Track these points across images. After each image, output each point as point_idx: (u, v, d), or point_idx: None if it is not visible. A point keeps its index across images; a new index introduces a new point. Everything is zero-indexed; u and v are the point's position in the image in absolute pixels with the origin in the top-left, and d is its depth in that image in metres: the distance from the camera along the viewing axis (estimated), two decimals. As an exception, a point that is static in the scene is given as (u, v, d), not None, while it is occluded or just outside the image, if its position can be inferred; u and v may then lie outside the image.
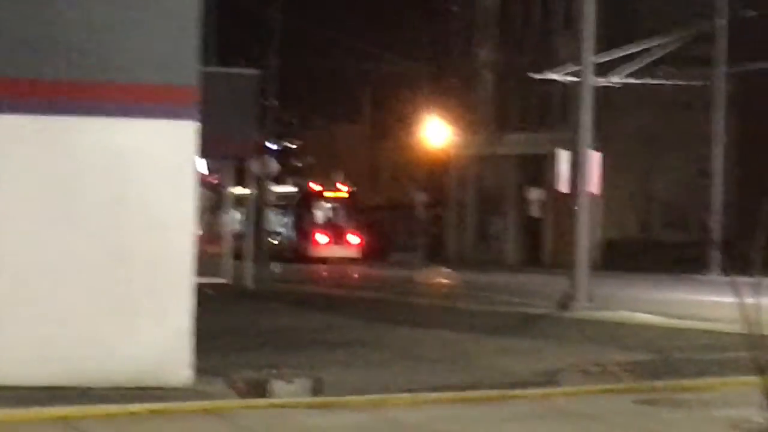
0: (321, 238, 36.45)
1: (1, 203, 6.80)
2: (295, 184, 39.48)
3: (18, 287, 6.80)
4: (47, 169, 6.89)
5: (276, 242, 36.62)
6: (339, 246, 36.24)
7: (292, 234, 37.20)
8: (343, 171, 42.68)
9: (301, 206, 37.82)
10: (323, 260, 34.26)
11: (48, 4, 6.96)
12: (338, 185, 38.36)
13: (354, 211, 37.98)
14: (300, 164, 54.61)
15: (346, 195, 38.60)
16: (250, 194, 23.25)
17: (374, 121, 47.07)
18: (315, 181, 38.77)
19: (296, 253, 35.09)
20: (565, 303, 15.86)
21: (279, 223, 38.11)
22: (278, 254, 33.84)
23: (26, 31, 6.83)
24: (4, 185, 6.78)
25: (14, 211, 6.83)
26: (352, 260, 35.12)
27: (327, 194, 38.38)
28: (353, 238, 37.00)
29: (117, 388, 6.69)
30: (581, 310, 15.35)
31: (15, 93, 6.85)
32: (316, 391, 7.61)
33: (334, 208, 38.27)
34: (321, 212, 37.60)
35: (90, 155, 6.96)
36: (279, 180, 44.74)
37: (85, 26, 6.91)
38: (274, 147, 37.29)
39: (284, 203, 38.78)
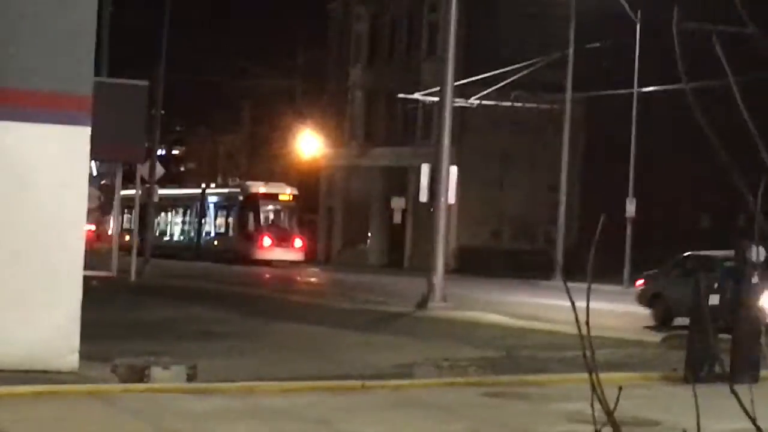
0: (265, 240, 35.23)
1: None
2: (237, 186, 38.77)
3: None
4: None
5: (216, 243, 37.08)
6: (283, 249, 35.13)
7: (235, 236, 36.11)
8: (223, 177, 43.69)
9: (244, 208, 36.66)
10: (267, 263, 33.48)
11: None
12: (283, 188, 37.25)
13: (298, 213, 37.20)
14: (182, 169, 57.04)
15: (291, 198, 37.38)
16: (137, 195, 24.44)
17: (253, 132, 48.24)
18: (261, 184, 37.57)
19: (238, 254, 34.14)
20: (422, 303, 16.77)
21: (219, 225, 38.34)
22: (219, 255, 34.13)
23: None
24: None
25: None
26: (295, 263, 34.34)
27: (272, 196, 37.13)
28: (297, 241, 36.08)
29: (5, 371, 7.15)
30: (437, 310, 16.28)
31: None
32: (192, 377, 8.29)
33: (277, 211, 37.21)
34: (265, 215, 36.40)
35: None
36: (177, 182, 45.60)
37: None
38: (161, 153, 37.45)
39: (181, 204, 39.05)
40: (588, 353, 1.39)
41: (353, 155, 38.57)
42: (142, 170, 23.74)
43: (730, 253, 9.66)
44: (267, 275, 30.62)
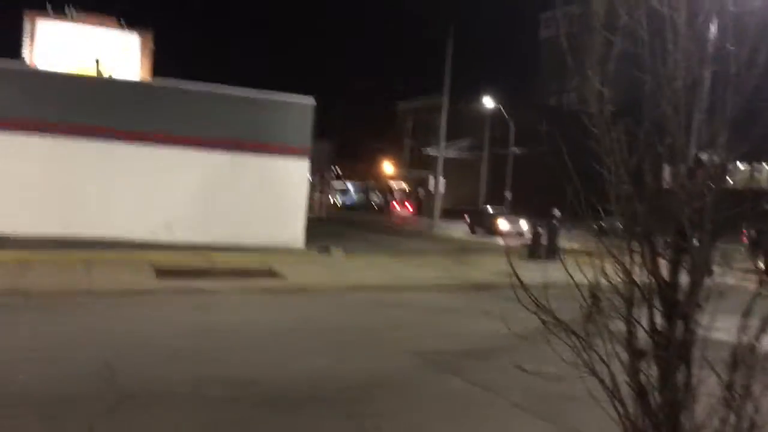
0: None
1: None
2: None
3: None
4: None
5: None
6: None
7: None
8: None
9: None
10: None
11: None
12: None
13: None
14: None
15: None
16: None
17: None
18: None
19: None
20: (429, 228, 31.28)
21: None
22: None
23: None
24: None
25: None
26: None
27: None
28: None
29: (278, 248, 20.20)
30: (435, 231, 30.96)
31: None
32: (345, 252, 21.30)
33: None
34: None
35: None
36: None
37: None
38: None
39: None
40: (508, 249, 14.61)
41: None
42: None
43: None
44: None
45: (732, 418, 3.04)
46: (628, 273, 3.08)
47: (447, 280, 15.53)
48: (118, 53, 24.54)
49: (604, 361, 3.15)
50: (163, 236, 20.03)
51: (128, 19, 25.12)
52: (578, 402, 6.78)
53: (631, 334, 3.14)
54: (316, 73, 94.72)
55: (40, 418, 5.67)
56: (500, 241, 28.53)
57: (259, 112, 21.04)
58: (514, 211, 36.94)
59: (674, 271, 3.00)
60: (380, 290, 14.08)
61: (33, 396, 6.19)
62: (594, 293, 3.07)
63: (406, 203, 67.97)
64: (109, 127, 19.65)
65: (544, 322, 3.28)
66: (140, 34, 25.06)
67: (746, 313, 2.95)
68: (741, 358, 3.02)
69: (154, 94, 21.13)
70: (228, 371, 7.36)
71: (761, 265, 3.26)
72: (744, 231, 22.50)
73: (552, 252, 20.64)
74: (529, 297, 3.41)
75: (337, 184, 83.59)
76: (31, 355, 7.65)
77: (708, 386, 3.13)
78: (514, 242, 25.50)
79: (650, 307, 3.04)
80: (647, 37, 3.12)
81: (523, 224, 33.11)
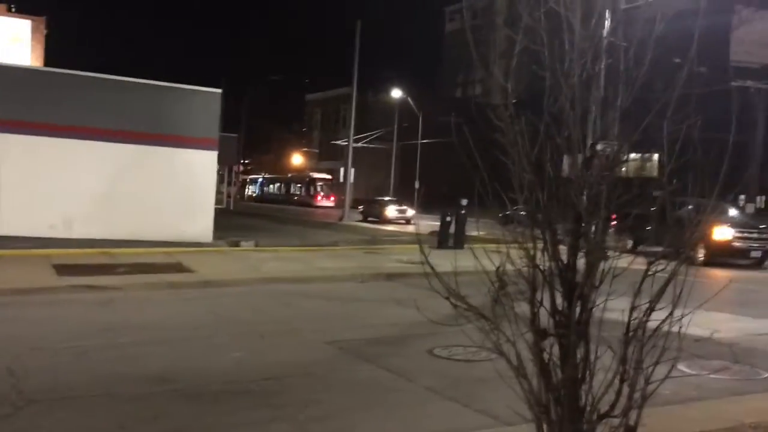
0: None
1: None
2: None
3: None
4: None
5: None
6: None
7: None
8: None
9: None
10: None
11: None
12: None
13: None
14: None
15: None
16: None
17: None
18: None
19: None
20: (340, 219, 32.05)
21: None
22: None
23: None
24: None
25: None
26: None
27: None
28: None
29: (186, 243, 19.78)
30: (345, 222, 31.93)
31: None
32: (256, 245, 21.08)
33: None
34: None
35: None
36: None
37: None
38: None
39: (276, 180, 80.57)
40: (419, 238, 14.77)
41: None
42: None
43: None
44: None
45: (625, 390, 3.31)
46: (531, 258, 3.29)
47: (358, 270, 15.69)
48: (7, 39, 23.26)
49: (510, 342, 3.35)
50: (61, 232, 19.23)
51: (21, 5, 23.93)
52: (488, 384, 7.08)
53: (534, 315, 3.36)
54: (224, 67, 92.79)
55: (-64, 425, 5.40)
56: (411, 228, 30.28)
57: (164, 102, 20.47)
58: (402, 201, 43.66)
59: (573, 255, 3.22)
60: (292, 282, 14.07)
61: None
62: (501, 278, 3.25)
63: (331, 195, 68.66)
64: (-4, 115, 18.64)
65: (455, 306, 3.43)
66: (32, 20, 23.85)
67: (637, 293, 3.21)
68: (633, 334, 3.29)
69: (46, 81, 20.14)
70: (139, 369, 7.22)
71: (630, 244, 3.55)
72: (613, 215, 25.25)
73: (460, 241, 21.18)
74: (442, 284, 3.56)
75: (251, 176, 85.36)
76: None
77: (604, 362, 3.39)
78: (424, 230, 26.03)
79: (551, 289, 3.26)
80: (546, 36, 3.32)
81: (410, 212, 40.19)
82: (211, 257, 17.12)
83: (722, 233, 19.77)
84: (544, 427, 3.35)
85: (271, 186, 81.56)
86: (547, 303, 3.40)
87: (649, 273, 3.23)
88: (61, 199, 19.49)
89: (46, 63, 30.43)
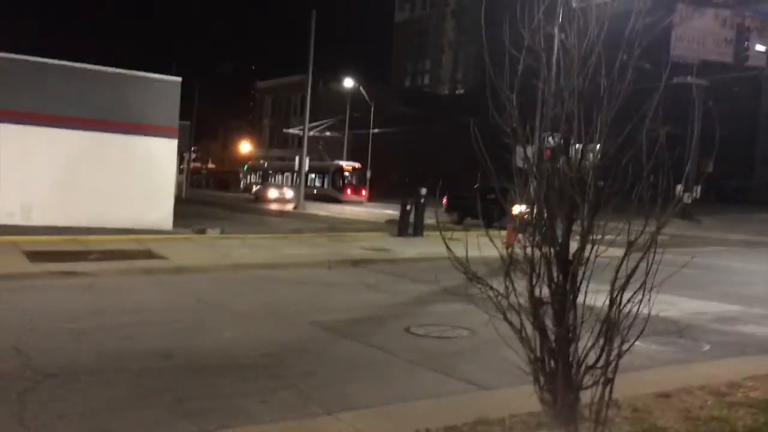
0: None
1: None
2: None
3: None
4: None
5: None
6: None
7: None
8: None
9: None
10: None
11: None
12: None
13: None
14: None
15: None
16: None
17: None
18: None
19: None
20: (296, 207, 32.95)
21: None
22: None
23: None
24: None
25: None
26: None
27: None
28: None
29: (147, 231, 19.96)
30: (301, 210, 32.61)
31: None
32: (222, 232, 21.38)
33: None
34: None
35: None
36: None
37: None
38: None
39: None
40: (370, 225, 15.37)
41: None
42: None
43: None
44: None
45: (606, 347, 4.03)
46: (533, 241, 3.97)
47: (326, 257, 16.25)
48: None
49: (515, 309, 4.03)
50: (20, 219, 19.21)
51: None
52: (464, 356, 7.84)
53: (533, 287, 4.05)
54: (171, 54, 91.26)
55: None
56: (365, 216, 31.39)
57: (124, 89, 20.53)
58: (282, 186, 55.64)
59: (566, 236, 3.92)
60: (263, 268, 14.56)
61: (-50, 378, 6.24)
62: (511, 256, 3.93)
63: (362, 188, 63.31)
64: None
65: (471, 280, 4.08)
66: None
67: (618, 269, 3.93)
68: (612, 302, 4.01)
69: (4, 67, 19.93)
70: (140, 347, 7.67)
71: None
72: (444, 197, 27.52)
73: (419, 228, 21.96)
74: (460, 266, 4.14)
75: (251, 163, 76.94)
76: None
77: (589, 324, 4.11)
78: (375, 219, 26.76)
79: (549, 264, 3.95)
80: (544, 55, 3.99)
81: (287, 192, 50.75)
82: (180, 244, 17.41)
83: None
84: (541, 378, 4.05)
85: (278, 176, 65.46)
86: (538, 282, 4.08)
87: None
88: (20, 186, 19.45)
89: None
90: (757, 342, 9.17)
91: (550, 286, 3.95)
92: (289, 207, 38.21)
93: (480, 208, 25.85)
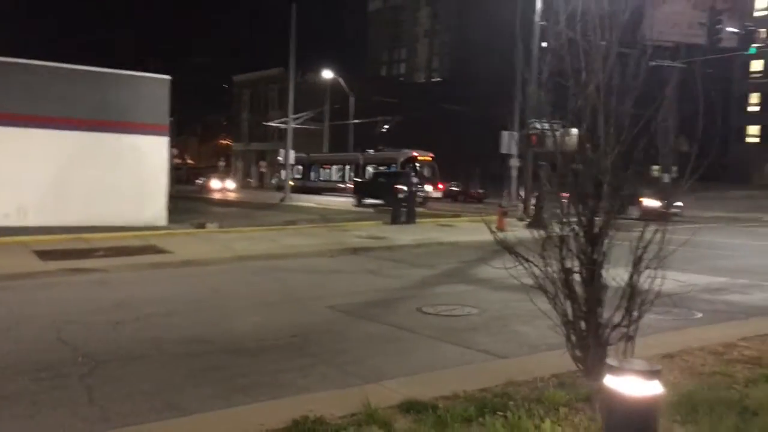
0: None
1: None
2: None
3: None
4: None
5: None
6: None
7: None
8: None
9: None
10: None
11: None
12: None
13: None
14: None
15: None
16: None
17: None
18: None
19: None
20: (282, 200, 33.05)
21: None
22: None
23: None
24: None
25: None
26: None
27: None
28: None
29: (143, 228, 20.31)
30: (288, 202, 32.64)
31: None
32: (221, 227, 21.77)
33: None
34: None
35: None
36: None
37: None
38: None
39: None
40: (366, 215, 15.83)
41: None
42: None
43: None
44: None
45: (629, 309, 4.63)
46: (562, 219, 4.55)
47: (326, 246, 16.77)
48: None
49: (549, 278, 4.61)
50: (16, 220, 19.44)
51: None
52: (479, 331, 8.44)
53: (563, 258, 4.63)
54: (149, 49, 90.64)
55: (30, 380, 6.24)
56: (352, 207, 32.05)
57: (114, 89, 20.77)
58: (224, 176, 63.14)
59: (593, 214, 4.50)
60: (267, 258, 15.04)
61: (10, 366, 6.67)
62: (548, 234, 4.50)
63: (438, 182, 52.73)
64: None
65: (515, 255, 4.63)
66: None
67: (640, 239, 4.52)
68: (633, 270, 4.61)
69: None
70: (174, 334, 8.16)
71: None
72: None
73: (412, 216, 22.54)
74: (505, 248, 4.71)
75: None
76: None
77: (612, 290, 4.71)
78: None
79: (577, 237, 4.53)
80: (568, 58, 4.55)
81: (230, 183, 60.10)
82: (181, 239, 17.82)
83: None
84: (573, 338, 4.64)
85: (322, 170, 57.58)
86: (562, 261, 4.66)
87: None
88: (15, 187, 19.65)
89: None
90: (744, 308, 9.92)
91: (579, 257, 4.53)
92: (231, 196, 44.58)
93: (374, 190, 29.95)
